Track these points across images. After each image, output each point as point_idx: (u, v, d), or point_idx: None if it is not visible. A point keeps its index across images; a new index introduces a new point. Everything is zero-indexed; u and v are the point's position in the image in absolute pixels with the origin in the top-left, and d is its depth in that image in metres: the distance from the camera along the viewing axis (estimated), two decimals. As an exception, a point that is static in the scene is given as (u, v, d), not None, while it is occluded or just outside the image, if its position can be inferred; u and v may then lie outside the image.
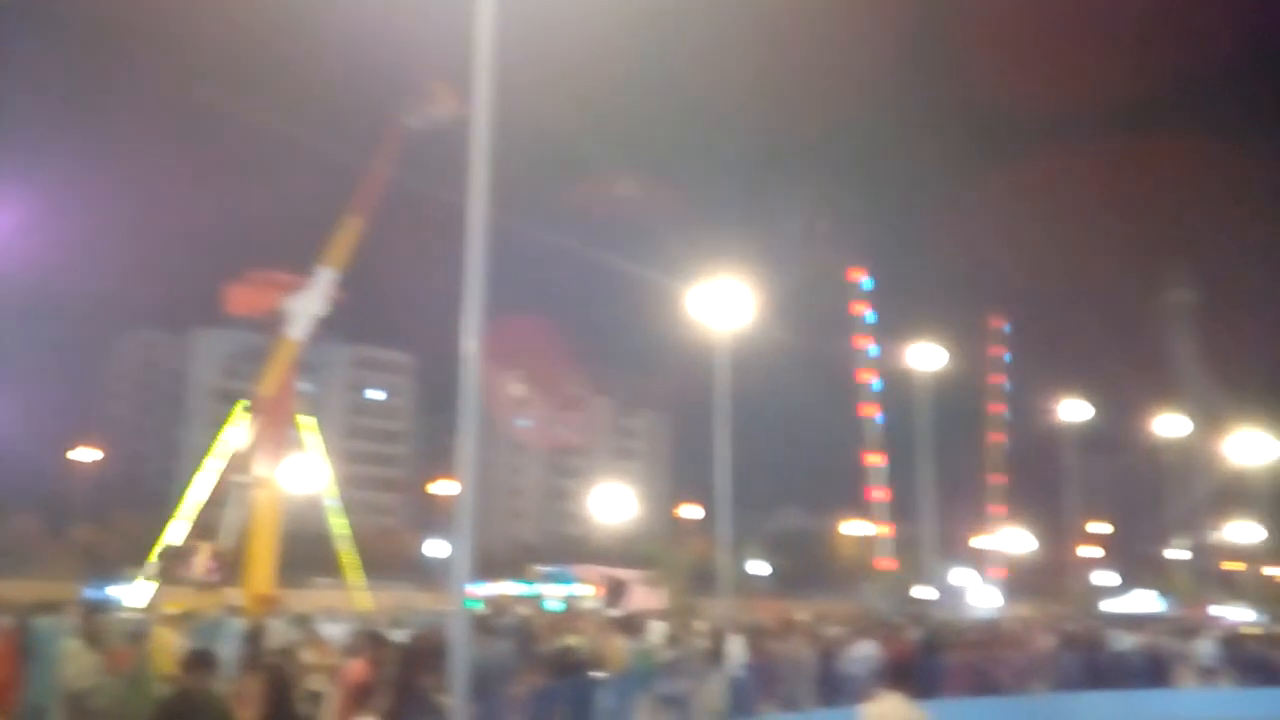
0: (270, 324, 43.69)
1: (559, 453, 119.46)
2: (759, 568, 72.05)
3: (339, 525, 46.95)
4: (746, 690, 18.26)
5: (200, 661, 8.36)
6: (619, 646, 17.60)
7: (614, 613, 35.96)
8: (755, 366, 41.90)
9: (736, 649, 18.93)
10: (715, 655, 18.51)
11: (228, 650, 15.61)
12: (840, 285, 56.90)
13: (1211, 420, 55.33)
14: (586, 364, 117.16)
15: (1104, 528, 66.73)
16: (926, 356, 49.05)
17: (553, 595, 49.98)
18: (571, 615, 33.07)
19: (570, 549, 73.30)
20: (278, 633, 18.37)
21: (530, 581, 55.06)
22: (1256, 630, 34.66)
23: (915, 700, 6.68)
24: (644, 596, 51.06)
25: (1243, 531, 57.21)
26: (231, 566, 39.72)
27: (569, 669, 15.17)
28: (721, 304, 28.94)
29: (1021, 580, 62.25)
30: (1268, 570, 58.18)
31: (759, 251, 38.84)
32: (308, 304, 42.82)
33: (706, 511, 54.23)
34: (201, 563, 39.31)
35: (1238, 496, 55.88)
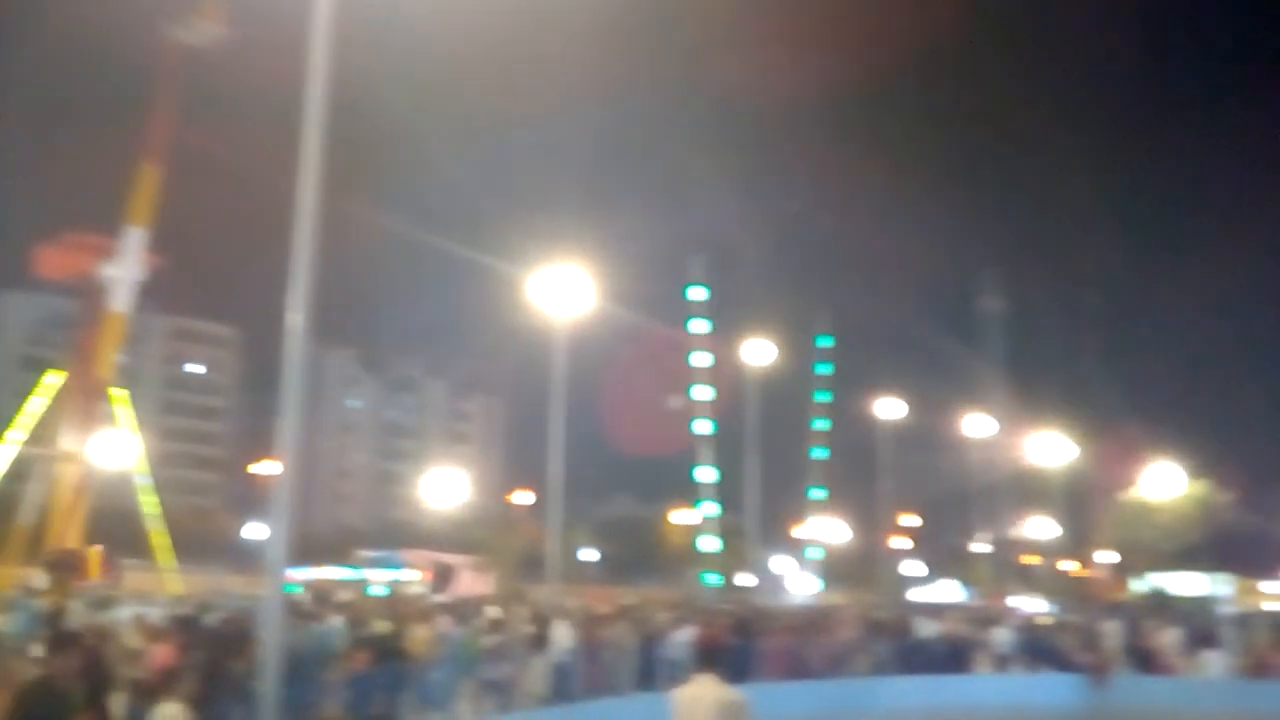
0: (82, 289, 41.19)
1: (389, 435, 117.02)
2: (589, 554, 72.57)
3: (150, 504, 44.72)
4: (570, 675, 18.40)
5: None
6: (430, 633, 17.40)
7: (441, 598, 35.61)
8: (592, 353, 42.22)
9: (562, 634, 19.04)
10: (540, 640, 18.58)
11: (20, 629, 14.75)
12: (678, 276, 57.81)
13: (1014, 422, 58.94)
14: (422, 346, 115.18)
15: (914, 520, 70.25)
16: (756, 350, 50.43)
17: (378, 580, 49.02)
18: (396, 600, 32.57)
19: (398, 533, 72.00)
20: (77, 615, 17.45)
21: (355, 566, 53.84)
22: (1049, 620, 37.14)
23: (729, 683, 6.88)
24: (472, 582, 50.72)
25: (1040, 527, 61.20)
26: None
27: (388, 655, 14.94)
28: (561, 291, 29.04)
29: (837, 569, 64.84)
30: (1061, 564, 62.45)
31: (599, 239, 39.06)
32: (124, 269, 40.52)
33: (538, 497, 54.27)
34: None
35: (1036, 495, 59.75)
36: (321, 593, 30.06)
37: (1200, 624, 30.72)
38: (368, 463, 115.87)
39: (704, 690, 6.21)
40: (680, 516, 71.06)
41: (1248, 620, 34.82)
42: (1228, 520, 53.45)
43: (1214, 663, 26.04)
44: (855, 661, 24.23)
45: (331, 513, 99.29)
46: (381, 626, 17.32)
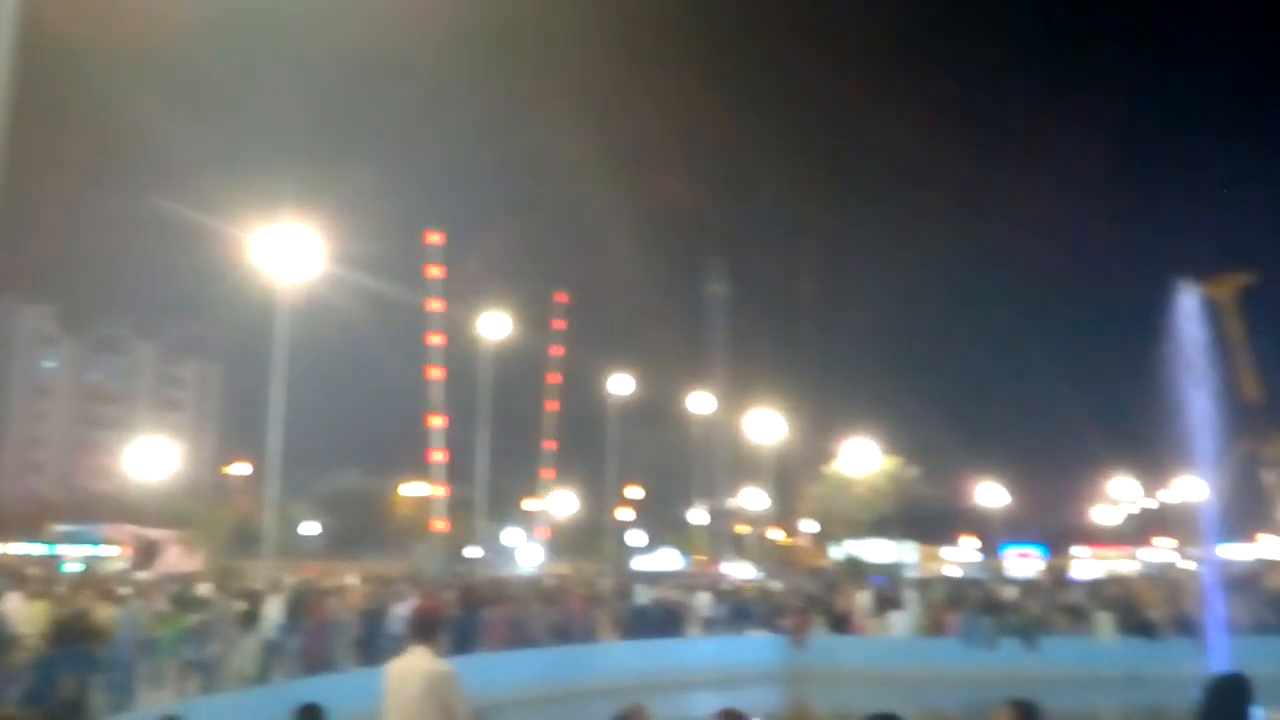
0: None
1: (90, 400, 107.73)
2: (311, 528, 70.10)
3: None
4: (282, 652, 17.81)
5: None
6: (122, 611, 16.33)
7: (143, 575, 33.36)
8: (320, 321, 40.67)
9: (274, 611, 18.38)
10: (250, 618, 17.85)
11: None
12: (415, 245, 56.57)
13: (733, 400, 62.21)
14: (131, 305, 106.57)
15: (638, 492, 72.63)
16: (492, 325, 50.38)
17: (72, 556, 45.21)
18: (90, 577, 30.17)
19: (98, 506, 66.49)
20: None
21: (47, 541, 49.38)
22: (756, 586, 39.48)
23: (446, 654, 6.92)
24: (179, 558, 47.80)
25: (752, 499, 64.87)
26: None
27: (74, 636, 13.89)
28: (286, 253, 27.73)
29: (564, 540, 66.02)
30: (770, 533, 66.48)
31: (333, 203, 37.57)
32: None
33: (256, 469, 51.76)
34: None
35: (750, 468, 63.32)
36: (5, 570, 27.45)
37: (888, 587, 33.68)
38: (65, 429, 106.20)
39: (414, 662, 6.20)
40: (410, 490, 69.93)
41: (927, 584, 38.52)
42: (914, 493, 58.86)
43: (898, 622, 28.62)
44: (577, 629, 24.88)
45: (22, 483, 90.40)
46: (69, 605, 16.07)
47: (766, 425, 58.96)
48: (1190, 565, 28.71)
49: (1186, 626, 24.10)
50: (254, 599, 19.06)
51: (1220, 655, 20.99)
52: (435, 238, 57.03)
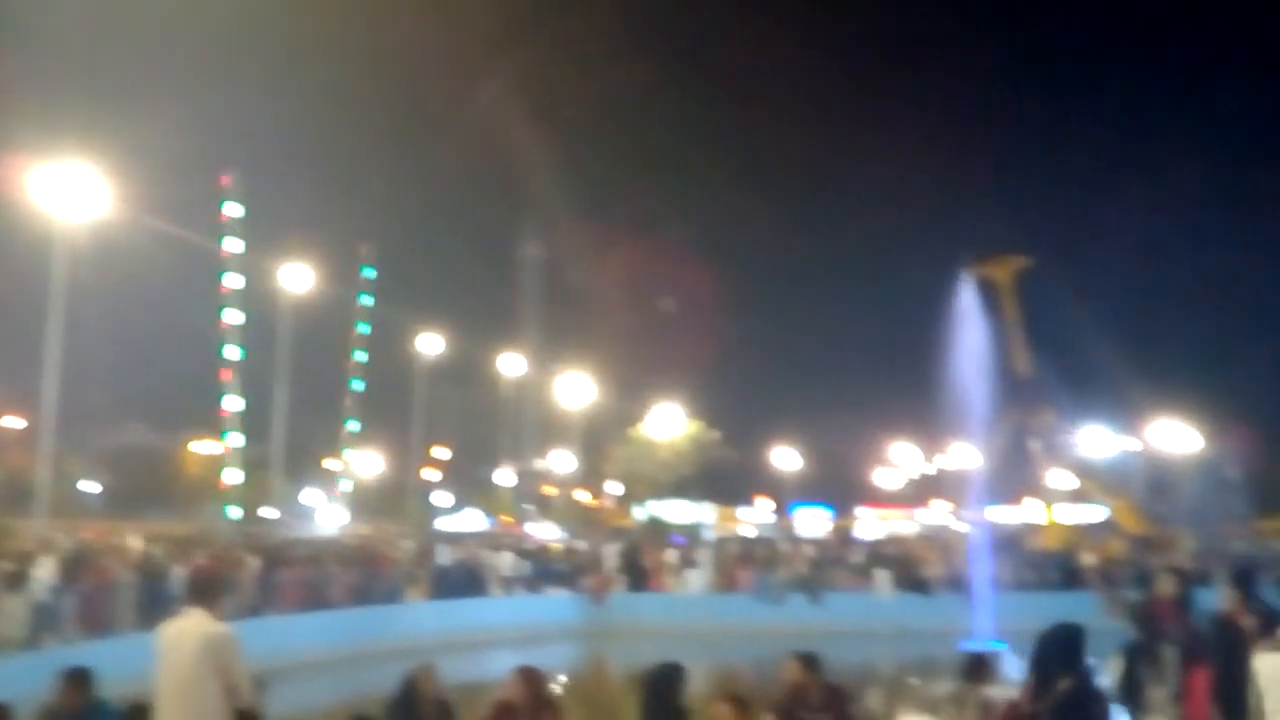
0: None
1: None
2: (92, 486, 66.02)
3: None
4: (55, 615, 16.84)
5: None
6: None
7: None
8: (107, 267, 38.09)
9: (45, 572, 17.33)
10: (18, 579, 16.76)
11: None
12: (210, 189, 53.52)
13: (544, 362, 62.41)
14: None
15: (445, 453, 71.99)
16: (294, 276, 48.57)
17: None
18: None
19: None
20: None
21: None
22: (560, 546, 39.95)
23: (230, 617, 6.76)
24: (-62, 517, 43.97)
25: (560, 461, 65.42)
26: None
27: None
28: (67, 191, 25.88)
29: (368, 500, 64.77)
30: (576, 494, 67.27)
31: (121, 142, 35.12)
32: None
33: (30, 422, 48.19)
34: None
35: (559, 431, 63.80)
36: None
37: (687, 546, 34.79)
38: None
39: (190, 624, 6.01)
40: (201, 447, 66.78)
41: (723, 543, 39.99)
42: (715, 456, 60.82)
43: (694, 580, 29.65)
44: (378, 590, 24.57)
45: None
46: None
47: (576, 388, 59.48)
48: (963, 526, 30.90)
49: (957, 584, 25.99)
50: (22, 559, 17.90)
51: (987, 611, 22.79)
52: (234, 183, 54.20)
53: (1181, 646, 8.16)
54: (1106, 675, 8.30)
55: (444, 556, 28.74)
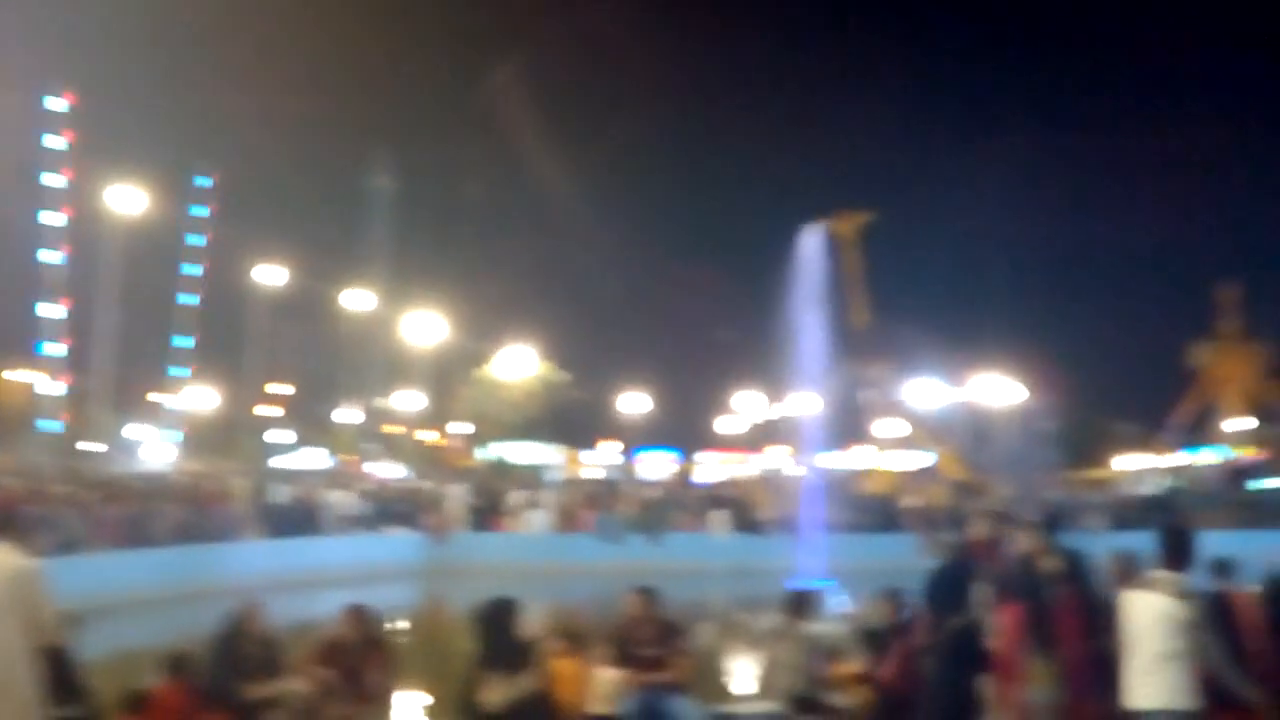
0: None
1: None
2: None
3: None
4: None
5: None
6: None
7: None
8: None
9: None
10: None
11: None
12: (38, 107, 49.54)
13: (392, 299, 61.02)
14: None
15: (286, 389, 69.81)
16: (124, 198, 45.92)
17: None
18: None
19: None
20: None
21: None
22: (401, 485, 39.51)
23: (39, 551, 6.44)
24: None
25: (407, 400, 64.38)
26: None
27: None
28: None
29: (201, 436, 62.34)
30: (422, 434, 66.43)
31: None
32: None
33: None
34: None
35: (406, 369, 62.70)
36: None
37: (532, 487, 35.00)
38: None
39: (-5, 558, 5.70)
40: (19, 376, 62.77)
41: (568, 484, 40.38)
42: (564, 398, 61.09)
43: (537, 520, 29.88)
44: (208, 528, 23.83)
45: None
46: None
47: (425, 326, 58.46)
48: (798, 471, 32.07)
49: (789, 525, 26.98)
50: None
51: (815, 550, 23.80)
52: (62, 98, 50.45)
53: (993, 584, 8.69)
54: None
55: (279, 494, 28.06)
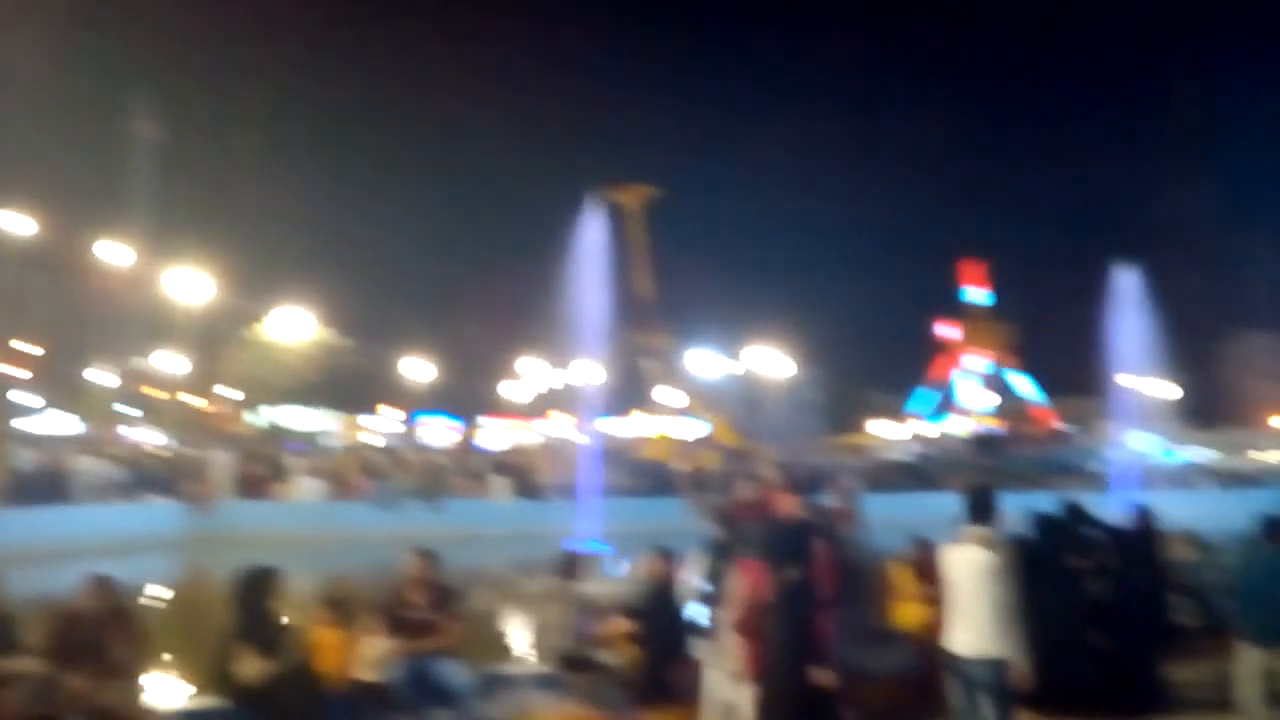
0: None
1: None
2: None
3: None
4: None
5: None
6: None
7: None
8: None
9: None
10: None
11: None
12: None
13: (154, 253, 57.13)
14: None
15: (34, 349, 64.27)
16: None
17: None
18: None
19: None
20: None
21: None
22: (164, 451, 37.40)
23: None
24: None
25: (169, 361, 60.65)
26: None
27: None
28: None
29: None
30: (186, 397, 62.82)
31: None
32: None
33: None
34: None
35: (169, 328, 58.96)
36: None
37: (306, 454, 33.90)
38: None
39: None
40: None
41: (344, 451, 39.38)
42: (343, 362, 59.23)
43: (311, 487, 29.02)
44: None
45: None
46: None
47: (190, 283, 55.11)
48: (579, 437, 32.53)
49: (569, 490, 27.37)
50: None
51: (596, 514, 24.25)
52: None
53: (756, 545, 9.12)
54: (695, 572, 9.12)
55: (24, 460, 26.00)
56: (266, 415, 55.62)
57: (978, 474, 41.73)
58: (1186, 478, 44.09)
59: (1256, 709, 8.50)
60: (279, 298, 58.59)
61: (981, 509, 6.90)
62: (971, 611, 6.55)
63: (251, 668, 7.23)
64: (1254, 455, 62.44)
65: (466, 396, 67.38)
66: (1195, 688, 9.54)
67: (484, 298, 68.61)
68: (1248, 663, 8.60)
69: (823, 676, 6.97)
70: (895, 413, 72.80)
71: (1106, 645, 8.69)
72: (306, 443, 42.65)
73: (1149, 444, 42.61)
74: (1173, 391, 55.44)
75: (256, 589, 7.63)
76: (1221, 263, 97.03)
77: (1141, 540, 8.96)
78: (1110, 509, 9.56)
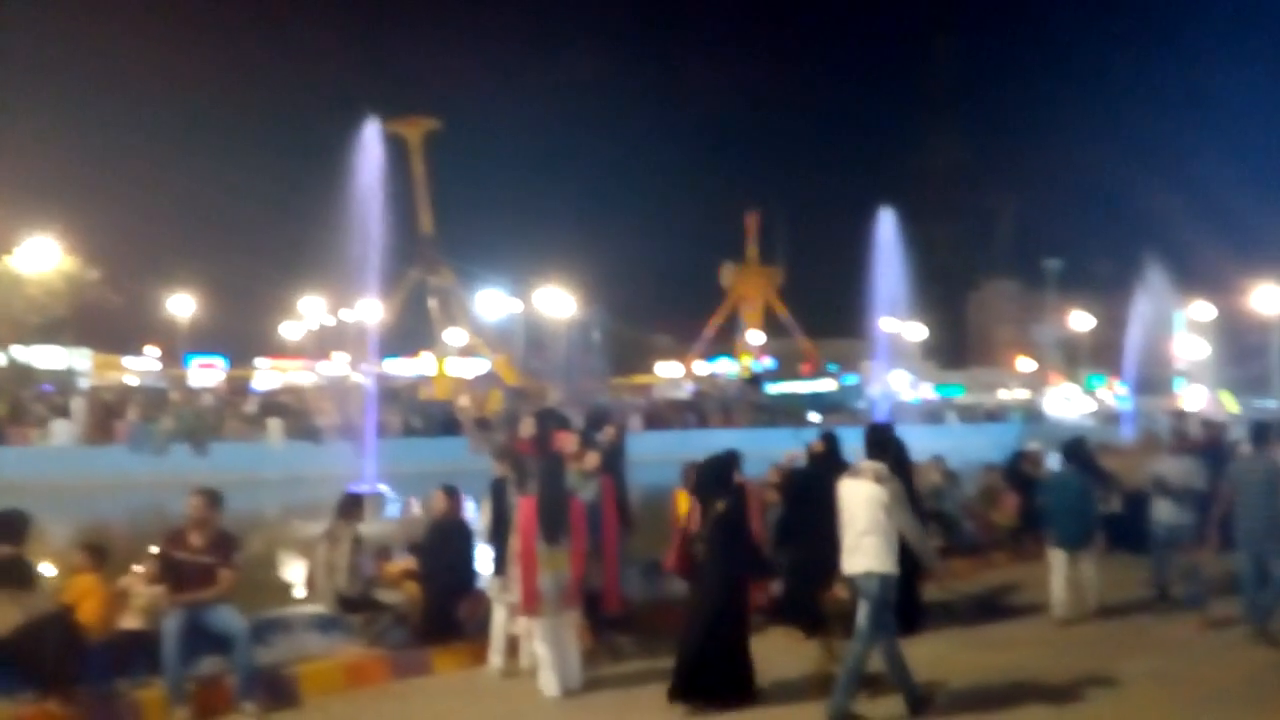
0: None
1: None
2: None
3: None
4: None
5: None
6: None
7: None
8: None
9: None
10: None
11: None
12: None
13: None
14: None
15: None
16: None
17: None
18: None
19: None
20: None
21: None
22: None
23: None
24: None
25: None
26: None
27: None
28: None
29: None
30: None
31: None
32: None
33: None
34: None
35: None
36: None
37: (57, 395, 31.52)
38: None
39: None
40: None
41: (98, 391, 36.79)
42: (95, 298, 54.90)
43: (61, 431, 27.06)
44: None
45: None
46: None
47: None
48: (361, 378, 31.78)
49: (350, 432, 26.72)
50: None
51: (374, 456, 23.83)
52: None
53: (534, 479, 9.23)
54: (480, 511, 9.17)
55: None
56: (17, 355, 50.96)
57: (750, 411, 43.77)
58: (936, 413, 47.78)
59: (1061, 599, 9.98)
60: (30, 229, 53.57)
61: (878, 445, 7.44)
62: (865, 536, 7.09)
63: (2, 618, 6.78)
64: (999, 393, 68.26)
65: (242, 336, 64.27)
66: (1016, 590, 11.22)
67: (260, 234, 65.37)
68: (1056, 564, 10.12)
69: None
70: (680, 354, 74.76)
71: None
72: (59, 384, 39.56)
73: (903, 382, 45.76)
74: (924, 333, 59.65)
75: (3, 535, 7.11)
76: (971, 214, 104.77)
77: (829, 466, 9.65)
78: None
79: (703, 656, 7.21)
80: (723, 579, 7.31)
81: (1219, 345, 58.46)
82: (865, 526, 7.09)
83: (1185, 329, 52.48)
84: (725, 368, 71.83)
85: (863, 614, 7.05)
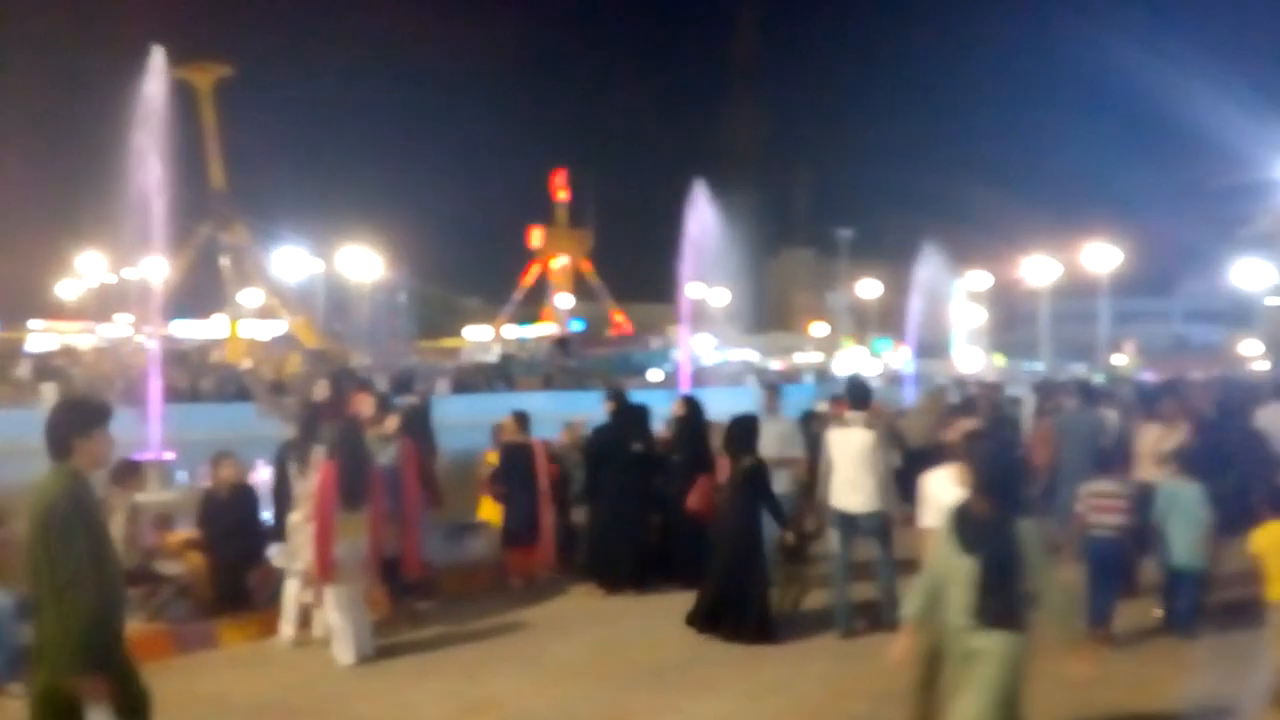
0: None
1: None
2: None
3: None
4: None
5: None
6: None
7: None
8: None
9: None
10: None
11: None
12: None
13: None
14: None
15: None
16: None
17: None
18: None
19: None
20: None
21: None
22: None
23: None
24: None
25: None
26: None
27: None
28: None
29: None
30: None
31: None
32: None
33: None
34: None
35: None
36: None
37: None
38: None
39: None
40: None
41: None
42: None
43: None
44: None
45: None
46: None
47: None
48: (146, 340, 29.98)
49: (132, 396, 25.14)
50: None
51: (158, 422, 22.51)
52: None
53: (326, 443, 8.95)
54: (270, 475, 8.83)
55: None
56: None
57: (557, 374, 43.88)
58: (736, 375, 49.25)
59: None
60: None
61: (861, 396, 8.44)
62: (858, 479, 7.97)
63: None
64: (794, 356, 70.98)
65: (13, 295, 59.31)
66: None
67: (32, 183, 60.33)
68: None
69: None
70: (489, 317, 74.10)
71: (658, 522, 9.71)
72: None
73: (705, 346, 46.87)
74: (728, 298, 61.26)
75: None
76: (771, 185, 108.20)
77: (690, 428, 9.95)
78: (670, 403, 10.52)
79: (723, 595, 7.95)
80: (743, 527, 8.02)
81: (993, 312, 62.78)
82: (863, 470, 7.96)
83: (963, 297, 55.89)
84: (532, 331, 71.77)
85: (873, 549, 8.12)
